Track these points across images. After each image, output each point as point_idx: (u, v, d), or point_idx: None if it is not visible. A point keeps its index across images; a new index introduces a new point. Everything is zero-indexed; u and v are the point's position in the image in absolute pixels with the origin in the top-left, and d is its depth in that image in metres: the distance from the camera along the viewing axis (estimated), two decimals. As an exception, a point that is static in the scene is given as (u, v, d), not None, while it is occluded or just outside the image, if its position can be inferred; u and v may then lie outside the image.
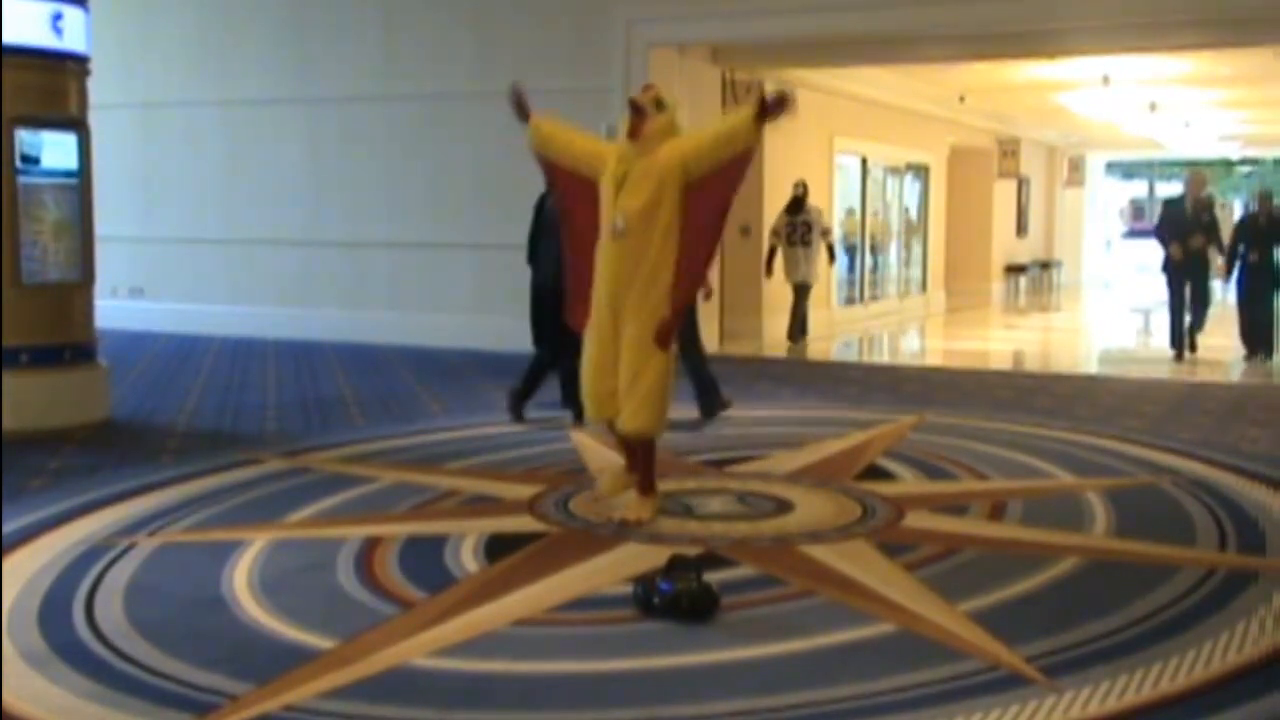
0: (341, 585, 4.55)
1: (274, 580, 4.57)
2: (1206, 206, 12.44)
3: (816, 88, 14.33)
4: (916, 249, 18.86)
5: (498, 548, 5.00)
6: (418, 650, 3.85)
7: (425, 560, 4.85)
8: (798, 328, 13.47)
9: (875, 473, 6.57)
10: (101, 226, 8.26)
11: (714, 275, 13.52)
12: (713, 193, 5.32)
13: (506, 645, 3.93)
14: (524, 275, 10.80)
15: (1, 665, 3.67)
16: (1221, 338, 12.79)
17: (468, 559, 4.87)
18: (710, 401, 8.18)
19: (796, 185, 13.39)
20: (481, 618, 4.15)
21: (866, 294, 17.15)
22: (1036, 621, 4.12)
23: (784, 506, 5.70)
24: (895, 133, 16.97)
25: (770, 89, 5.63)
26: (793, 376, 10.74)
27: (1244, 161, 35.18)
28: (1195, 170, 13.54)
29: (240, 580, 4.57)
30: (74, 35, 7.65)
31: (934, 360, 13.44)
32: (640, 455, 5.49)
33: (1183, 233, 11.93)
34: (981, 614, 4.19)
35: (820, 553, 4.94)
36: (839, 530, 5.30)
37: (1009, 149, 21.34)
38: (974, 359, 12.90)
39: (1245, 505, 5.82)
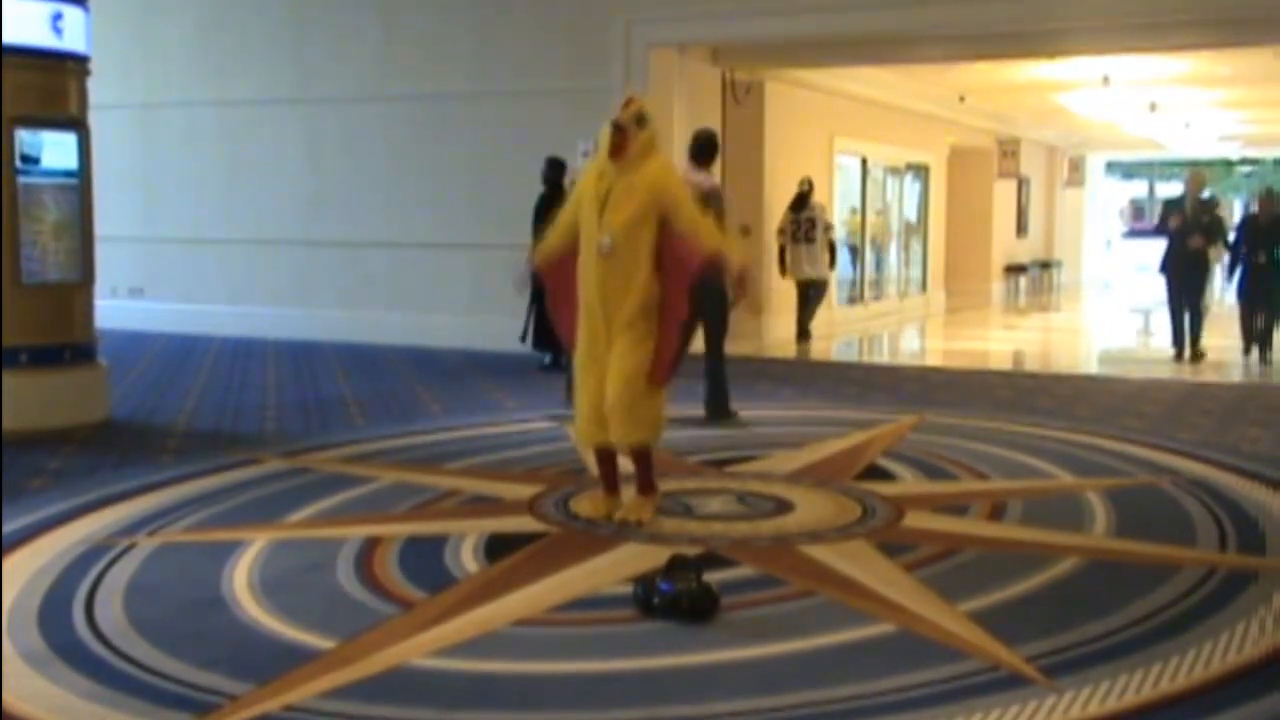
0: (341, 585, 4.55)
1: (274, 580, 4.57)
2: (1209, 208, 12.33)
3: (816, 88, 14.34)
4: (917, 249, 18.86)
5: (498, 548, 5.00)
6: (418, 650, 3.85)
7: (425, 560, 4.85)
8: (805, 326, 13.69)
9: (875, 473, 6.57)
10: (101, 226, 8.26)
11: (754, 276, 13.99)
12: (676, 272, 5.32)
13: (507, 645, 3.93)
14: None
15: (1, 665, 3.67)
16: (1221, 338, 12.80)
17: (468, 559, 4.87)
18: (719, 407, 8.15)
19: (802, 182, 13.57)
20: (481, 618, 4.15)
21: (867, 294, 17.15)
22: (1036, 621, 4.12)
23: (784, 506, 5.70)
24: (895, 133, 16.97)
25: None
26: (793, 376, 10.74)
27: (1244, 161, 35.18)
28: (1195, 170, 13.38)
29: (240, 580, 4.57)
30: (74, 35, 7.65)
31: (934, 360, 13.44)
32: (640, 460, 5.48)
33: (1181, 233, 11.82)
34: (981, 614, 4.19)
35: (820, 553, 4.94)
36: (839, 530, 5.30)
37: (1009, 149, 21.34)
38: (974, 359, 12.90)
39: (1245, 505, 5.82)
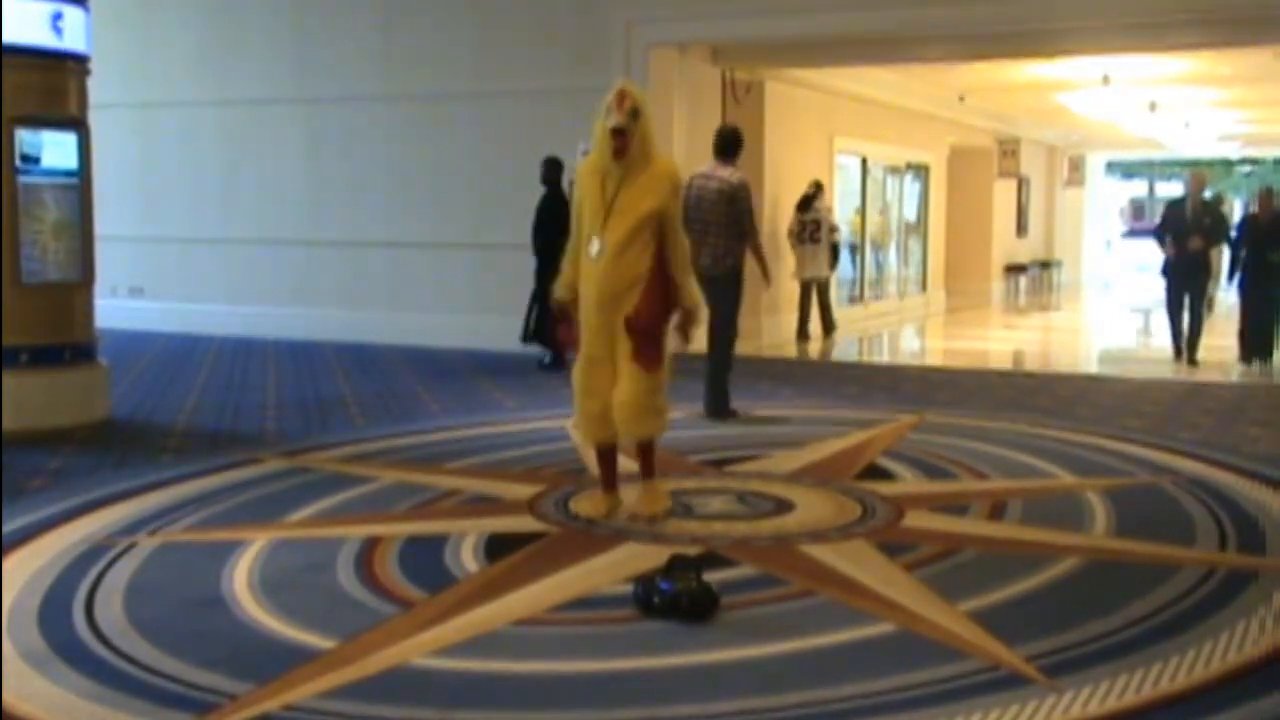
0: (341, 585, 4.55)
1: (274, 580, 4.57)
2: (1211, 209, 12.18)
3: (816, 88, 14.34)
4: (917, 249, 18.87)
5: (498, 547, 5.00)
6: (418, 650, 3.85)
7: (425, 560, 4.85)
8: (825, 321, 14.03)
9: (875, 472, 6.57)
10: (101, 226, 8.26)
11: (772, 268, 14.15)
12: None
13: (507, 645, 3.93)
14: (524, 275, 10.86)
15: (1, 665, 3.67)
16: (1221, 338, 12.79)
17: (468, 559, 4.87)
18: (718, 405, 8.18)
19: (811, 184, 13.86)
20: (481, 617, 4.15)
21: (867, 293, 17.16)
22: (1036, 621, 4.12)
23: (784, 506, 5.70)
24: (895, 133, 16.97)
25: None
26: (793, 376, 10.74)
27: (1244, 161, 35.19)
28: (1196, 170, 13.22)
29: (240, 580, 4.57)
30: (74, 35, 7.65)
31: (934, 360, 13.44)
32: (647, 451, 5.54)
33: (1181, 234, 11.69)
34: (981, 614, 4.19)
35: (820, 552, 4.94)
36: (839, 530, 5.30)
37: (1009, 149, 21.34)
38: (974, 359, 12.90)
39: (1245, 505, 5.82)
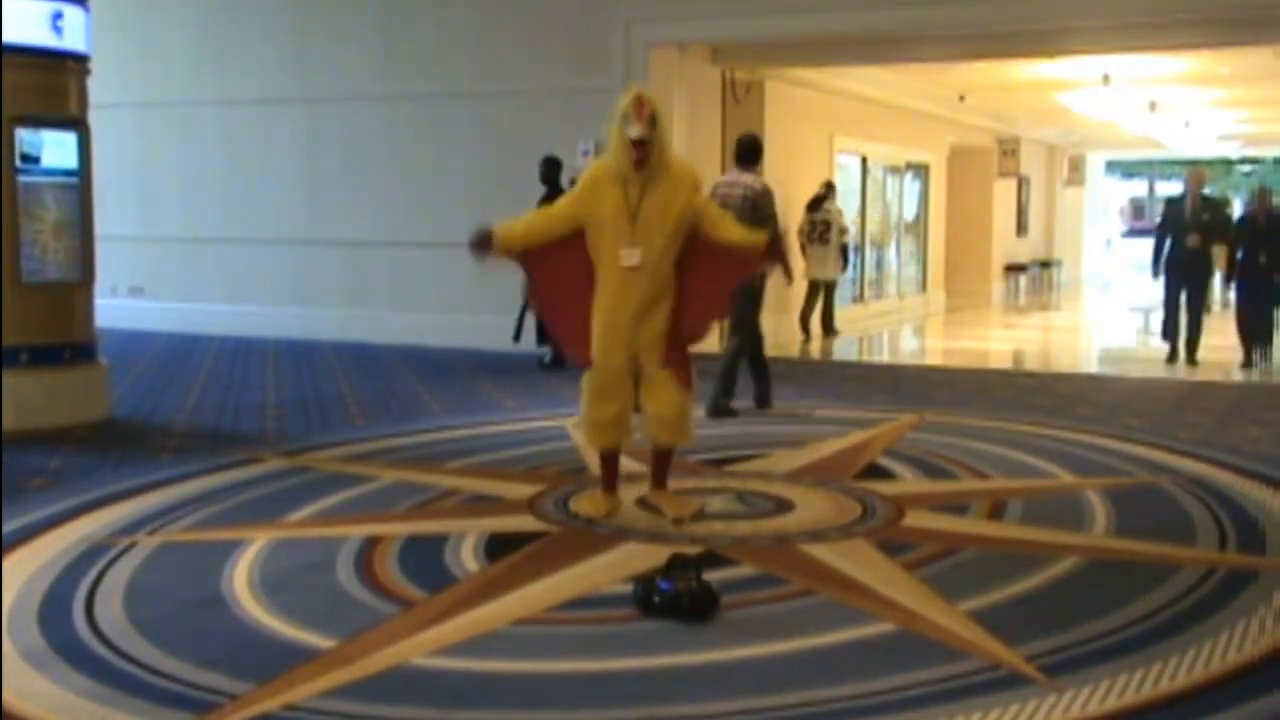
0: (341, 585, 4.55)
1: (274, 580, 4.57)
2: (1210, 206, 12.00)
3: (816, 88, 14.34)
4: (917, 248, 18.87)
5: (498, 547, 5.00)
6: (418, 650, 3.85)
7: (425, 560, 4.85)
8: (826, 323, 14.20)
9: (875, 472, 6.57)
10: (101, 226, 8.26)
11: (796, 263, 14.24)
12: (718, 271, 5.38)
13: (506, 645, 3.93)
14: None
15: (1, 665, 3.67)
16: (1221, 337, 12.77)
17: (468, 558, 4.87)
18: (720, 403, 8.26)
19: (823, 184, 14.13)
20: (481, 617, 4.15)
21: (867, 293, 17.16)
22: (1036, 621, 4.12)
23: (784, 506, 5.70)
24: (895, 132, 16.97)
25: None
26: (793, 376, 10.73)
27: (1244, 161, 35.19)
28: (1195, 169, 12.94)
29: (240, 580, 4.57)
30: (74, 35, 7.65)
31: (934, 359, 13.44)
32: (667, 458, 5.61)
33: (1180, 232, 11.54)
34: (981, 614, 4.19)
35: (820, 552, 4.94)
36: (839, 530, 5.30)
37: (1009, 148, 21.34)
38: (974, 358, 12.90)
39: (1245, 505, 5.82)
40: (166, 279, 13.77)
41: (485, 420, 8.15)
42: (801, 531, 5.27)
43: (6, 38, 7.02)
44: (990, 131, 20.65)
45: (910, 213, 18.64)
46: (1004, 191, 21.96)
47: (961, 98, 17.34)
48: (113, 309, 11.39)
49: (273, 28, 13.26)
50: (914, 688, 3.54)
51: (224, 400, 9.01)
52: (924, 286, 18.98)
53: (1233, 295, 12.50)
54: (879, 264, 17.70)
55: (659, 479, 5.61)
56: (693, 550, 4.80)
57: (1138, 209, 42.36)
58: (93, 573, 4.65)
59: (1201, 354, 11.83)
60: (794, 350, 13.08)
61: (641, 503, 5.60)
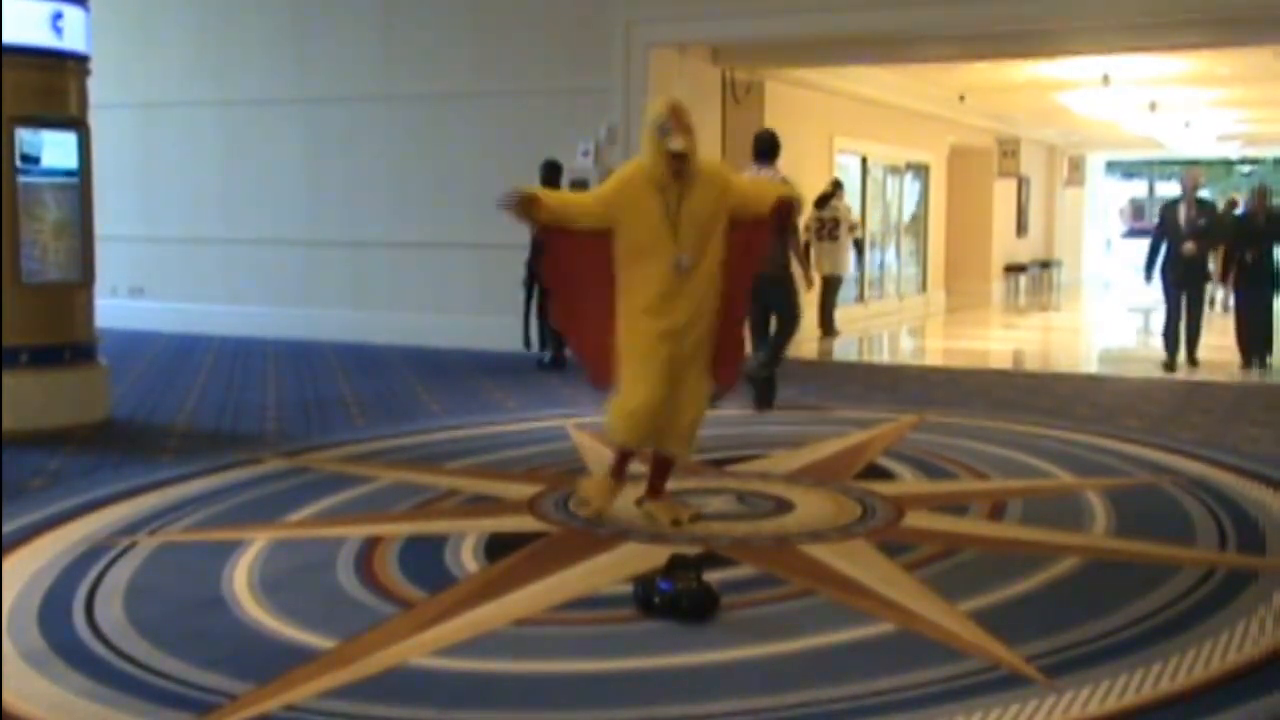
0: (341, 585, 4.55)
1: (274, 580, 4.57)
2: (1207, 208, 11.69)
3: (816, 88, 14.34)
4: (917, 249, 18.87)
5: (498, 547, 5.00)
6: (418, 650, 3.85)
7: (425, 560, 4.85)
8: (827, 322, 14.23)
9: (875, 472, 6.57)
10: (101, 226, 8.26)
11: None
12: (744, 251, 5.38)
13: (506, 645, 3.93)
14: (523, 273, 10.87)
15: (1, 665, 3.67)
16: (1220, 337, 12.76)
17: (468, 559, 4.87)
18: (763, 397, 8.57)
19: (830, 182, 14.30)
20: (481, 617, 4.15)
21: (867, 293, 17.17)
22: (1036, 621, 4.12)
23: (784, 506, 5.70)
24: (895, 133, 16.97)
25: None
26: (793, 376, 10.72)
27: (1244, 161, 35.17)
28: (1190, 170, 12.53)
29: (240, 580, 4.57)
30: (74, 35, 7.65)
31: (934, 360, 13.44)
32: (669, 466, 5.59)
33: (1177, 236, 11.23)
34: (981, 614, 4.19)
35: (820, 552, 4.94)
36: (839, 530, 5.30)
37: (1009, 149, 21.33)
38: (974, 359, 12.90)
39: (1245, 505, 5.82)
40: (167, 279, 13.77)
41: (485, 420, 8.15)
42: (801, 532, 5.27)
43: (6, 38, 7.02)
44: (990, 132, 20.65)
45: (910, 213, 18.65)
46: (1004, 192, 21.96)
47: (961, 98, 17.34)
48: (113, 309, 11.39)
49: (273, 28, 13.26)
50: (914, 688, 3.54)
51: (224, 400, 9.02)
52: (924, 287, 18.98)
53: (1226, 295, 12.36)
54: (879, 264, 17.70)
55: (659, 487, 5.57)
56: (693, 550, 4.80)
57: (1138, 209, 42.32)
58: (93, 573, 4.65)
59: (1201, 354, 11.72)
60: (800, 351, 13.06)
61: (639, 505, 5.58)
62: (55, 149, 7.65)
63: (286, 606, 4.26)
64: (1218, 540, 5.26)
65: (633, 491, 5.92)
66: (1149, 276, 11.70)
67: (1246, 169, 37.18)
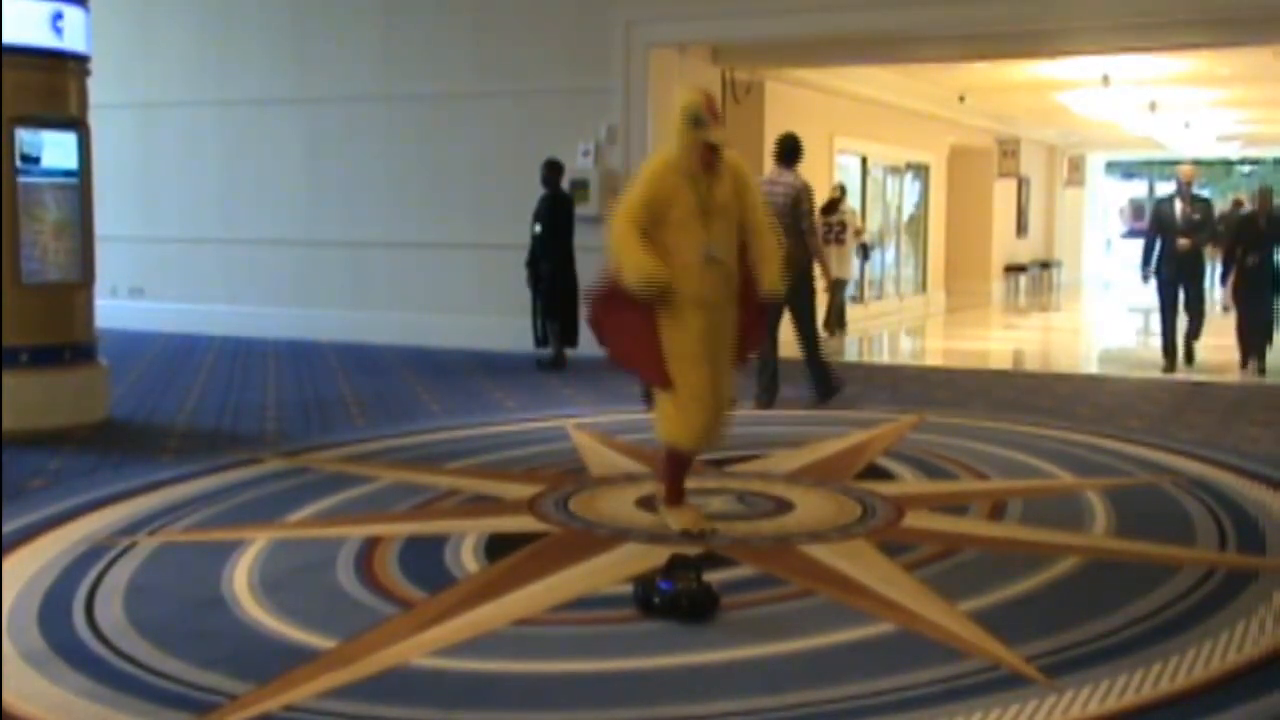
0: (341, 585, 4.55)
1: (274, 580, 4.57)
2: (1201, 205, 11.44)
3: (816, 88, 14.34)
4: (917, 249, 18.88)
5: (498, 548, 5.00)
6: (418, 650, 3.85)
7: (425, 560, 4.85)
8: (834, 320, 14.39)
9: (875, 472, 6.57)
10: (101, 226, 8.26)
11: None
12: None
13: (507, 645, 3.93)
14: (523, 275, 10.87)
15: (1, 665, 3.67)
16: (1220, 337, 12.74)
17: (468, 559, 4.87)
18: (828, 385, 8.98)
19: (834, 188, 14.45)
20: (482, 617, 4.15)
21: (867, 293, 17.17)
22: (1036, 621, 4.12)
23: (784, 506, 5.70)
24: (895, 133, 16.97)
25: None
26: (793, 376, 10.72)
27: (1244, 161, 35.16)
28: (1184, 166, 12.10)
29: (240, 580, 4.57)
30: (74, 35, 7.65)
31: (934, 360, 13.44)
32: (688, 466, 5.52)
33: (1170, 233, 11.05)
34: (981, 614, 4.19)
35: (820, 553, 4.94)
36: (839, 530, 5.30)
37: (1009, 149, 21.34)
38: (974, 359, 12.90)
39: (1245, 505, 5.82)
40: (166, 279, 13.77)
41: (485, 420, 8.15)
42: (801, 532, 5.27)
43: (6, 38, 7.02)
44: (990, 132, 20.65)
45: (910, 213, 18.65)
46: (1004, 192, 21.96)
47: (961, 98, 17.34)
48: (113, 309, 11.39)
49: (273, 28, 13.25)
50: (914, 688, 3.54)
51: (224, 400, 9.02)
52: (924, 287, 18.98)
53: (1223, 293, 12.09)
54: (879, 264, 17.70)
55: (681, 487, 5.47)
56: (693, 551, 4.80)
57: (1137, 209, 42.24)
58: (93, 573, 4.65)
59: (1201, 355, 11.66)
60: (792, 350, 13.05)
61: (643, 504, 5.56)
62: (55, 149, 7.65)
63: (286, 606, 4.26)
64: (1218, 540, 5.26)
65: (633, 492, 5.94)
66: (1146, 275, 11.49)
67: (1246, 169, 37.17)
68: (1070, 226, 27.04)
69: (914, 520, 5.52)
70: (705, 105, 5.15)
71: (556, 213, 10.73)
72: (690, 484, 6.05)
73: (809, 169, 13.99)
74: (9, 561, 4.74)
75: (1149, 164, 36.40)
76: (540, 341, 10.94)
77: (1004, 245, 22.11)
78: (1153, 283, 11.47)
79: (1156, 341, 12.05)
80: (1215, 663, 3.75)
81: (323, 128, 13.04)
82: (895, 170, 17.85)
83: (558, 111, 11.80)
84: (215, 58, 13.49)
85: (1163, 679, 3.60)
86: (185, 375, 10.31)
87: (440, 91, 12.45)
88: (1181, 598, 4.39)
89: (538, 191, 10.80)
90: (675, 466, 5.39)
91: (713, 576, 4.36)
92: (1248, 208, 15.59)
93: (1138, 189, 42.47)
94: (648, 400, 7.48)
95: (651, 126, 11.57)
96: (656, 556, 4.60)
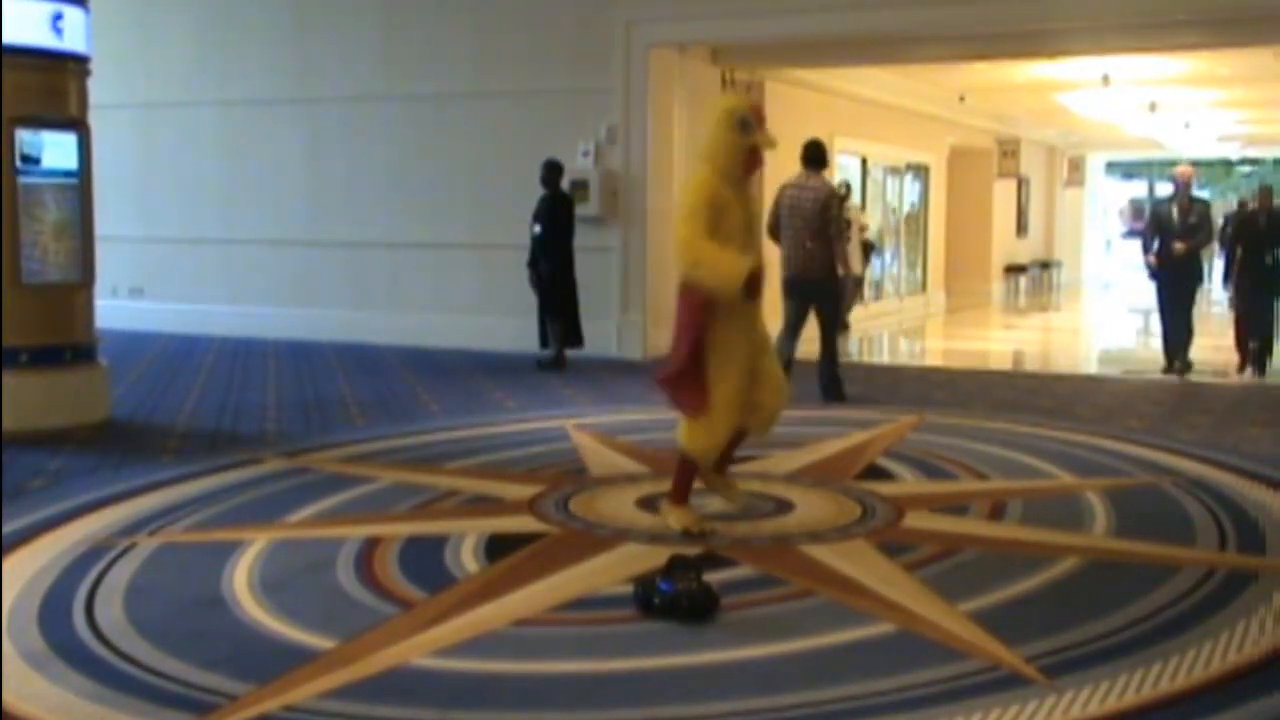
0: (341, 585, 4.55)
1: (274, 580, 4.57)
2: (1199, 207, 11.06)
3: (816, 88, 14.34)
4: (917, 249, 18.88)
5: (498, 548, 5.00)
6: (418, 650, 3.85)
7: (425, 560, 4.85)
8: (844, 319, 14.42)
9: (875, 473, 6.57)
10: (101, 226, 8.25)
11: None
12: None
13: (507, 645, 3.93)
14: (523, 274, 10.87)
15: (1, 665, 3.67)
16: (1219, 338, 12.75)
17: (468, 559, 4.87)
18: (836, 389, 9.14)
19: (840, 185, 14.28)
20: (481, 618, 4.15)
21: (867, 294, 17.16)
22: (1036, 621, 4.12)
23: (784, 506, 5.70)
24: (895, 133, 16.97)
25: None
26: (793, 375, 10.72)
27: (1244, 162, 35.15)
28: (1183, 167, 11.76)
29: (240, 580, 4.57)
30: (74, 35, 7.65)
31: (934, 360, 13.45)
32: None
33: (1168, 236, 10.80)
34: (981, 614, 4.19)
35: (820, 553, 4.94)
36: (839, 530, 5.30)
37: (1009, 149, 21.34)
38: (974, 359, 12.90)
39: (1245, 505, 5.82)
40: (166, 280, 13.77)
41: (485, 421, 8.15)
42: (801, 532, 5.27)
43: (6, 38, 7.02)
44: (990, 132, 20.66)
45: (910, 214, 18.65)
46: (1004, 192, 21.97)
47: (961, 98, 17.35)
48: (113, 310, 11.38)
49: (273, 28, 13.25)
50: (914, 688, 3.54)
51: (224, 400, 9.01)
52: (924, 287, 18.99)
53: (1225, 292, 11.90)
54: (879, 265, 17.70)
55: (725, 469, 5.59)
56: (693, 551, 4.80)
57: (1138, 210, 42.24)
58: (93, 573, 4.65)
59: (1201, 355, 11.45)
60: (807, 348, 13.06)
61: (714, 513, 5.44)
62: (55, 149, 7.65)
63: (286, 606, 4.26)
64: (1218, 540, 5.26)
65: (633, 492, 5.94)
66: (1150, 264, 11.10)
67: (1246, 169, 37.16)
68: (1070, 227, 27.05)
69: (914, 520, 5.52)
70: (754, 112, 5.15)
71: (556, 213, 10.73)
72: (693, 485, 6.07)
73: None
74: (9, 561, 4.74)
75: (1149, 164, 36.40)
76: (544, 343, 10.94)
77: (1004, 245, 22.12)
78: (1147, 282, 11.42)
79: (1156, 342, 12.03)
80: (1215, 663, 3.75)
81: (323, 128, 13.04)
82: (895, 171, 17.86)
83: (558, 111, 11.80)
84: (215, 58, 13.49)
85: (1163, 679, 3.60)
86: (185, 375, 10.31)
87: (440, 91, 12.45)
88: (1181, 598, 4.39)
89: (538, 192, 10.80)
90: (688, 471, 5.38)
91: (713, 576, 4.36)
92: (1252, 208, 15.46)
93: (1138, 189, 42.46)
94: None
95: (651, 127, 11.58)
96: (656, 556, 4.60)
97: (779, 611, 4.30)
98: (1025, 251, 23.31)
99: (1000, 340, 16.01)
